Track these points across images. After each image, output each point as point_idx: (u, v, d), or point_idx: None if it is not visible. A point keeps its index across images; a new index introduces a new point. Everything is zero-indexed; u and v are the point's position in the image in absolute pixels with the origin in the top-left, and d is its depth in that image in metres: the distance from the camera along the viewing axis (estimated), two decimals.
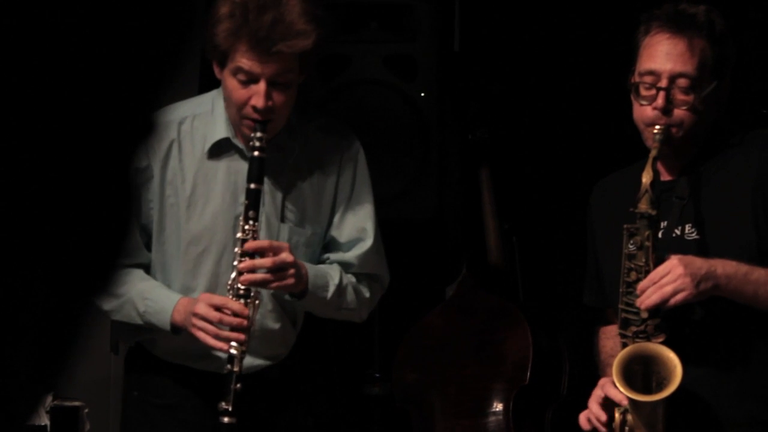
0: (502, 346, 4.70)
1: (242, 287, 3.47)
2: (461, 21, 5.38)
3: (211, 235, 3.64)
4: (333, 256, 3.74)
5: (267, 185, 3.62)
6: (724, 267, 3.21)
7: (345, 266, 3.72)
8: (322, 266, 3.71)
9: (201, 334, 3.48)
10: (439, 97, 4.99)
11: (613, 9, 5.03)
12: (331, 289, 3.64)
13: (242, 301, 3.48)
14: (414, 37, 4.94)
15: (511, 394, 4.61)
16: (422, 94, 4.92)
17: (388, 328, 4.97)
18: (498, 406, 4.64)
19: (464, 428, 4.70)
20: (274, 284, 3.51)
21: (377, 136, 4.00)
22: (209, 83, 4.00)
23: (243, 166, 3.58)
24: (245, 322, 3.46)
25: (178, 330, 3.58)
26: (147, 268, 3.71)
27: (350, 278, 3.72)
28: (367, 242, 3.72)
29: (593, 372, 3.62)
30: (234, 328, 3.47)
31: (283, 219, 3.67)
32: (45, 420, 4.16)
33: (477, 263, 5.04)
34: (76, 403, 4.29)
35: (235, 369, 3.45)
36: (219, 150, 3.66)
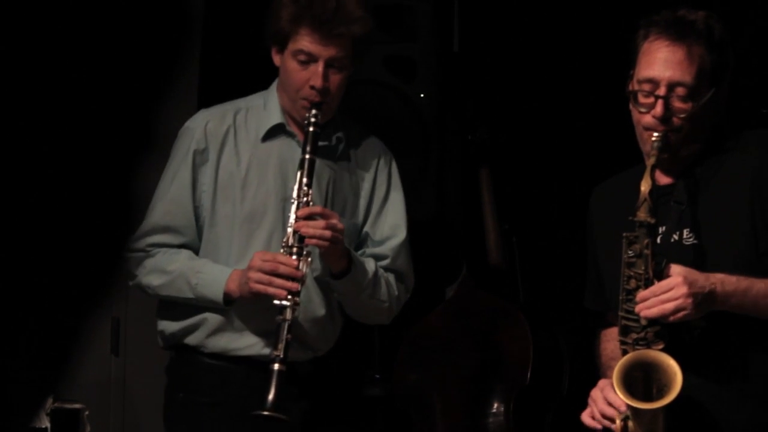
0: (503, 346, 4.70)
1: (296, 245, 3.66)
2: (460, 22, 5.38)
3: (263, 214, 3.82)
4: (368, 250, 3.93)
5: (314, 175, 3.78)
6: (724, 285, 3.22)
7: (378, 258, 3.90)
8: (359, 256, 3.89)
9: (258, 287, 3.65)
10: (439, 98, 4.99)
11: (613, 11, 5.02)
12: (369, 274, 3.83)
13: (295, 257, 3.67)
14: (413, 38, 4.95)
15: (511, 394, 4.61)
16: (422, 95, 4.93)
17: (389, 330, 4.96)
18: (498, 407, 4.64)
19: (465, 429, 4.70)
20: (327, 243, 3.68)
21: (377, 136, 4.01)
22: (209, 88, 4.04)
23: (295, 152, 3.80)
24: (298, 273, 3.64)
25: (230, 300, 3.74)
26: (195, 252, 3.86)
27: (383, 272, 3.89)
28: (400, 237, 3.93)
29: (594, 372, 3.62)
30: (287, 280, 3.65)
31: (326, 206, 3.83)
32: (46, 422, 4.16)
33: (477, 264, 5.04)
34: (77, 406, 4.29)
35: (287, 318, 3.61)
36: (273, 135, 3.87)
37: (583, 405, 3.45)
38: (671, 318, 3.19)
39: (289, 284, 3.63)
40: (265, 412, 3.53)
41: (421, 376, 4.79)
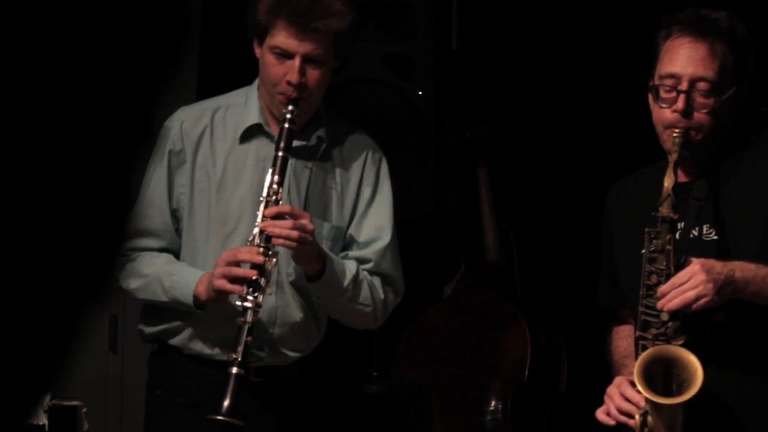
0: (501, 344, 4.70)
1: (262, 245, 3.55)
2: (459, 19, 5.38)
3: (238, 217, 3.73)
4: (351, 253, 3.82)
5: (293, 176, 3.74)
6: (743, 271, 3.23)
7: (362, 262, 3.80)
8: (339, 258, 3.78)
9: (219, 282, 3.55)
10: (437, 96, 4.99)
11: (611, 7, 5.03)
12: (348, 276, 3.71)
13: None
14: (412, 36, 4.94)
15: (509, 392, 4.61)
16: (420, 93, 4.92)
17: (387, 327, 4.95)
18: (496, 405, 4.64)
19: (462, 426, 4.70)
20: (294, 244, 3.57)
21: (374, 134, 4.00)
22: (208, 86, 4.03)
23: (272, 153, 3.66)
24: (258, 258, 3.52)
25: (200, 304, 3.66)
26: (176, 255, 3.80)
27: (366, 275, 3.79)
28: (385, 240, 3.82)
29: (591, 370, 3.62)
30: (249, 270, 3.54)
31: (305, 209, 3.74)
32: (43, 419, 4.16)
33: (475, 261, 5.04)
34: (74, 403, 4.29)
35: (248, 320, 3.51)
36: (250, 135, 3.78)
37: (581, 404, 3.45)
38: (694, 306, 3.20)
39: (249, 272, 3.52)
40: (220, 417, 3.44)
41: (419, 374, 4.79)
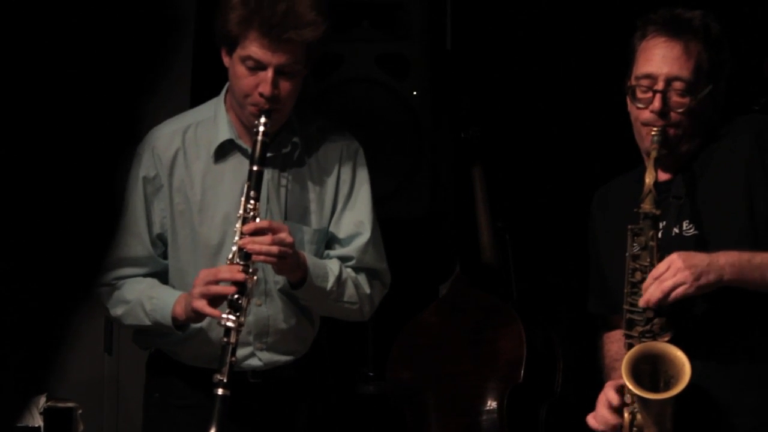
0: (496, 344, 4.70)
1: (241, 262, 3.51)
2: (453, 19, 5.38)
3: (223, 235, 3.70)
4: (333, 252, 3.80)
5: (270, 184, 3.71)
6: (727, 257, 3.23)
7: (344, 260, 3.78)
8: (321, 260, 3.76)
9: (199, 303, 3.52)
10: (432, 96, 4.99)
11: (604, 8, 5.03)
12: (331, 279, 3.69)
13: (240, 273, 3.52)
14: (406, 36, 4.94)
15: (504, 392, 4.62)
16: (414, 93, 4.93)
17: (382, 327, 4.97)
18: (492, 405, 4.64)
19: (458, 426, 4.70)
20: (274, 260, 3.55)
21: (369, 134, 4.00)
22: (201, 89, 4.01)
23: (248, 168, 3.63)
24: (239, 276, 3.49)
25: (180, 325, 3.65)
26: (162, 278, 3.77)
27: (350, 272, 3.77)
28: (365, 235, 3.79)
29: (587, 370, 3.62)
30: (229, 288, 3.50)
31: (286, 217, 3.73)
32: (39, 421, 4.16)
33: (470, 261, 5.04)
34: (70, 404, 4.29)
35: (232, 341, 3.49)
36: (224, 152, 3.74)
37: (577, 403, 3.46)
38: (672, 295, 3.20)
39: (227, 288, 3.49)
40: None
41: (415, 374, 4.79)
